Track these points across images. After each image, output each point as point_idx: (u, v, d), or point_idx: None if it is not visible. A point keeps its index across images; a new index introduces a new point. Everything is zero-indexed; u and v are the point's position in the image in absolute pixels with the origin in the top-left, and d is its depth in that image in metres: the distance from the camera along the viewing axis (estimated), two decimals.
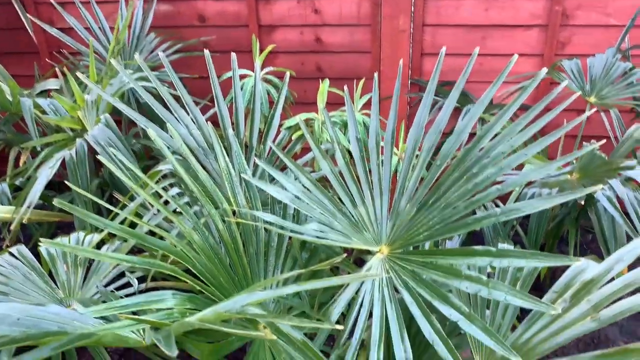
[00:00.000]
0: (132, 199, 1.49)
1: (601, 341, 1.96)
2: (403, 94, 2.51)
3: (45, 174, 1.54)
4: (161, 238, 1.14)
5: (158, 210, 1.41)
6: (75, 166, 1.57)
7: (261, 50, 2.02)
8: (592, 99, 1.98)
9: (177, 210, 1.27)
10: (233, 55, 1.72)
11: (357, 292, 1.10)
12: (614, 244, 1.40)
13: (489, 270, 1.09)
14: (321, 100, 1.67)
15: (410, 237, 1.12)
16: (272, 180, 1.57)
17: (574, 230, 1.63)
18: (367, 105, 2.26)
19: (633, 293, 0.93)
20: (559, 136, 1.05)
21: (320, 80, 1.78)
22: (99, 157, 1.22)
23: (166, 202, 1.54)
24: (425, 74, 2.52)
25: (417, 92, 2.54)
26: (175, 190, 1.38)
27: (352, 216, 1.24)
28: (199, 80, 2.64)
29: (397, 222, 1.18)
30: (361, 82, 1.88)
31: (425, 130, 1.24)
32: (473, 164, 1.08)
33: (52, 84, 2.15)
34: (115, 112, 1.87)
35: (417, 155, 1.22)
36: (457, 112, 2.18)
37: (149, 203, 1.54)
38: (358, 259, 1.81)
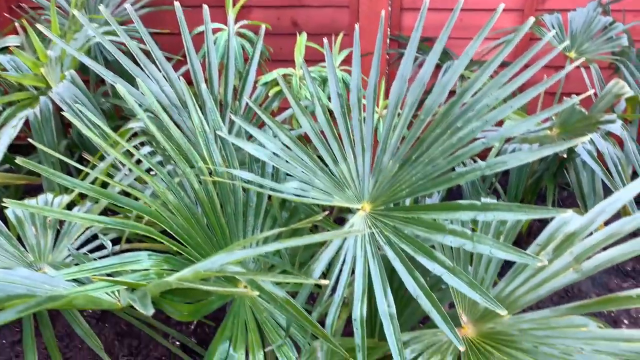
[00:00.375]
0: (102, 159, 1.43)
1: (574, 294, 2.01)
2: (383, 50, 2.46)
3: (8, 134, 1.46)
4: (135, 199, 1.09)
5: (130, 170, 1.36)
6: (40, 125, 1.49)
7: (234, 4, 1.93)
8: (573, 54, 1.97)
9: (150, 170, 1.22)
10: (205, 7, 1.64)
11: (338, 250, 1.08)
12: (593, 199, 1.41)
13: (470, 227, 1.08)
14: (299, 55, 1.61)
15: (392, 194, 1.10)
16: (250, 138, 1.52)
17: (552, 186, 1.63)
18: (346, 62, 2.20)
19: (613, 245, 0.94)
20: (542, 90, 1.02)
21: (298, 34, 1.71)
22: (65, 114, 1.15)
23: (138, 162, 1.48)
24: (404, 30, 2.46)
25: (396, 48, 2.49)
26: (147, 149, 1.32)
27: (334, 174, 1.21)
28: (170, 36, 2.52)
29: (380, 179, 1.15)
30: (339, 37, 1.81)
31: (408, 86, 1.20)
32: (457, 118, 1.05)
33: (12, 40, 2.02)
34: (81, 70, 1.77)
35: (398, 114, 1.19)
36: (436, 70, 2.14)
37: (120, 163, 1.48)
38: (338, 218, 1.79)
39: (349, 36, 2.45)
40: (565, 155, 1.40)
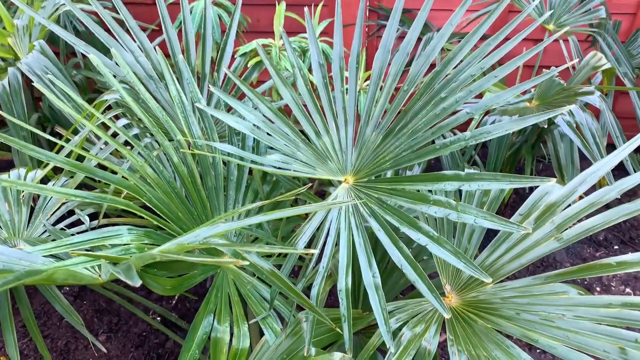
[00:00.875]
0: (75, 133, 1.38)
1: (549, 263, 2.06)
2: (365, 20, 2.42)
3: None
4: (113, 173, 1.06)
5: (106, 144, 1.32)
6: (9, 98, 1.42)
7: None
8: (551, 27, 1.97)
9: (127, 144, 1.19)
10: None
11: (322, 223, 1.07)
12: (571, 170, 1.43)
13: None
14: (278, 24, 1.57)
15: (375, 166, 1.10)
16: (229, 110, 1.49)
17: (530, 157, 1.65)
18: (326, 33, 2.17)
19: (591, 216, 0.95)
20: (523, 62, 1.02)
21: (278, 4, 1.67)
22: (35, 84, 1.11)
23: (114, 136, 1.44)
24: (383, 1, 2.42)
25: (376, 20, 2.45)
26: (123, 122, 1.28)
27: (316, 146, 1.20)
28: (144, 6, 2.44)
29: (363, 152, 1.14)
30: (319, 7, 1.78)
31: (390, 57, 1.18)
32: (440, 89, 1.05)
33: None
34: (49, 41, 1.70)
35: (381, 87, 1.17)
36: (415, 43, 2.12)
37: (95, 136, 1.44)
38: (320, 191, 1.78)
39: (329, 7, 2.40)
40: (545, 126, 1.41)
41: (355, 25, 1.21)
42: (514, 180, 0.81)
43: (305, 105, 1.25)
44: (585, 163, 1.44)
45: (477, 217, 0.82)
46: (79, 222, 1.25)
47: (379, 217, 0.98)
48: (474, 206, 1.01)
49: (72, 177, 1.26)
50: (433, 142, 0.98)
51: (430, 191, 0.95)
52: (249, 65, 1.54)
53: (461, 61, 1.06)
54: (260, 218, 0.81)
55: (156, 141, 1.28)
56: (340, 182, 1.14)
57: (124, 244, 0.95)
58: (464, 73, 1.03)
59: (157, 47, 1.43)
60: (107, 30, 1.41)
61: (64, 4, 1.69)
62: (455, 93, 1.02)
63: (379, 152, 1.11)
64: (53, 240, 1.11)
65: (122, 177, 1.07)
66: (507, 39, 1.06)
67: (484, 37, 1.10)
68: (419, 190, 0.96)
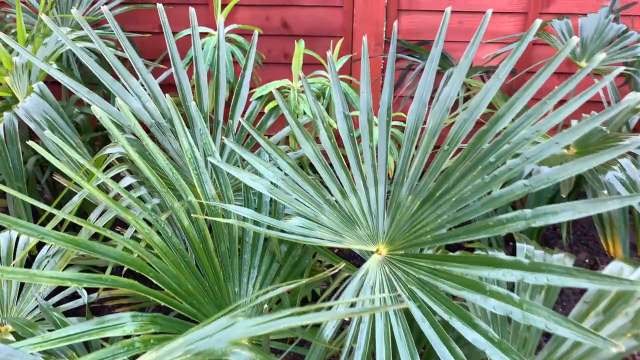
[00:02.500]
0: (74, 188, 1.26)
1: None
2: (378, 54, 2.31)
3: None
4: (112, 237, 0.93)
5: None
6: (4, 146, 1.30)
7: (223, 5, 1.76)
8: (583, 63, 1.85)
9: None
10: (192, 10, 1.47)
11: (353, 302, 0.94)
12: (624, 232, 1.28)
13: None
14: (297, 66, 1.46)
15: (413, 237, 0.96)
16: (244, 160, 1.37)
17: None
18: (342, 70, 2.06)
19: None
20: (571, 111, 0.89)
21: (296, 42, 1.56)
22: (29, 142, 0.98)
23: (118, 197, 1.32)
24: (401, 32, 2.31)
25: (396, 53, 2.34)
26: (128, 180, 1.15)
27: (342, 209, 1.07)
28: (152, 36, 2.33)
29: (397, 217, 1.01)
30: (338, 45, 1.66)
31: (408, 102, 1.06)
32: (490, 151, 0.92)
33: None
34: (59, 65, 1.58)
35: (416, 145, 1.05)
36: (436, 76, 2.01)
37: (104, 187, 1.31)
38: (348, 252, 1.65)
39: (341, 38, 2.30)
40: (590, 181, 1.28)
41: (385, 72, 1.09)
42: (594, 279, 0.68)
43: (326, 155, 1.12)
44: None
45: (549, 322, 0.69)
46: (77, 295, 1.12)
47: (422, 304, 0.84)
48: (529, 293, 0.87)
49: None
50: (487, 215, 0.85)
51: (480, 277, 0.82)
52: (265, 110, 1.42)
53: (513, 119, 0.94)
54: (289, 321, 0.67)
55: (165, 202, 1.15)
56: (371, 253, 1.01)
57: (127, 337, 0.81)
58: (516, 135, 0.90)
59: (167, 95, 1.31)
60: (113, 73, 1.30)
61: (76, 38, 1.58)
62: (507, 158, 0.89)
63: (416, 219, 0.98)
64: (43, 319, 0.98)
65: (125, 248, 0.94)
66: (531, 72, 0.94)
67: (512, 72, 0.99)
68: (470, 275, 0.82)
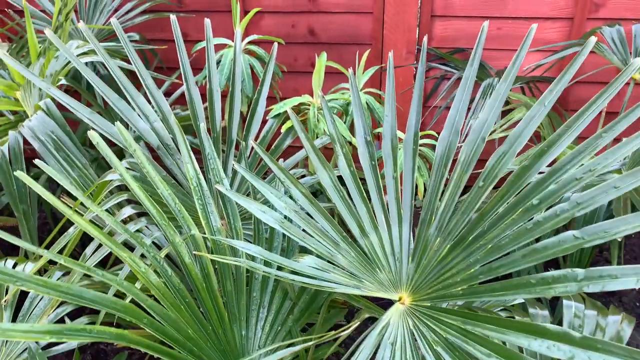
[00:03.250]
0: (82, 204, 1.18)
1: None
2: (410, 63, 2.17)
3: None
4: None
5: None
6: (8, 167, 1.24)
7: (245, 12, 1.67)
8: (638, 75, 1.67)
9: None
10: (207, 21, 1.38)
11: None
12: None
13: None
14: (317, 82, 1.34)
15: (442, 287, 0.84)
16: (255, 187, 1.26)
17: (616, 250, 1.34)
18: (370, 81, 1.93)
19: None
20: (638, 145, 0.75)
21: (322, 49, 1.45)
22: (36, 161, 0.91)
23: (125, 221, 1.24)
24: (435, 39, 2.17)
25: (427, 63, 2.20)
26: (128, 211, 1.06)
27: (361, 248, 0.95)
28: (159, 42, 2.24)
29: (423, 262, 0.89)
30: (364, 57, 1.54)
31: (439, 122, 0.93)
32: (531, 192, 0.78)
33: None
34: (75, 78, 1.53)
35: (447, 179, 0.92)
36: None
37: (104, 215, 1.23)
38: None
39: (371, 46, 2.17)
40: None
41: (414, 91, 0.97)
42: None
43: (342, 181, 1.01)
44: None
45: None
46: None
47: None
48: None
49: (67, 273, 1.05)
50: (528, 272, 0.72)
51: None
52: (282, 130, 1.31)
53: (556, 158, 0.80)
54: None
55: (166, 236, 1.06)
56: (393, 301, 0.89)
57: None
58: (565, 173, 0.77)
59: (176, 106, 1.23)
60: (118, 89, 1.22)
61: (82, 53, 1.52)
62: (553, 201, 0.76)
63: (445, 266, 0.86)
64: None
65: (117, 292, 0.85)
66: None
67: (548, 81, 0.85)
68: (505, 343, 0.69)
